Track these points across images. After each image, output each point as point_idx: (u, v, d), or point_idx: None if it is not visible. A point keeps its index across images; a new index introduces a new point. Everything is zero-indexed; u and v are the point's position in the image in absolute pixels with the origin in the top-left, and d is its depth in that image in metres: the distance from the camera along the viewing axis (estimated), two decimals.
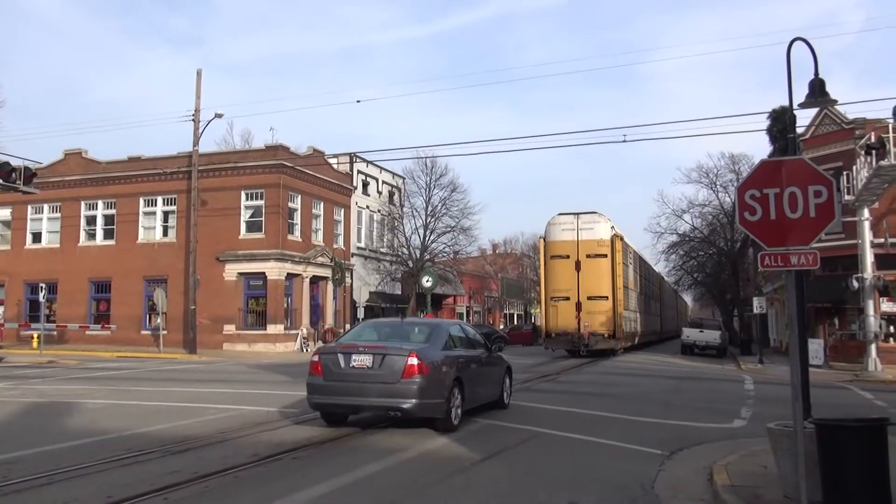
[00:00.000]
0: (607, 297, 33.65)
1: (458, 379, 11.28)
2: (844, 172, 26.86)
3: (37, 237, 40.51)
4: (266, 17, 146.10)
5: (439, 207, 47.05)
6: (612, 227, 34.78)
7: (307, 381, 11.13)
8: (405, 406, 10.41)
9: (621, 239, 35.66)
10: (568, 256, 33.74)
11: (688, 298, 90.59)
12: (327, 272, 38.74)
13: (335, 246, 41.16)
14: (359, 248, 44.95)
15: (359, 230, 45.33)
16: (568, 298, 33.62)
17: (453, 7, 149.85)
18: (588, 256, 33.58)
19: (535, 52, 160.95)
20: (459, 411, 11.23)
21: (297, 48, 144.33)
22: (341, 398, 10.76)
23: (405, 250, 47.37)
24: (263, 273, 35.59)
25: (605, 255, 33.76)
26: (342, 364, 10.77)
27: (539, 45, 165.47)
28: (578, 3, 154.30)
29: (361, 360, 10.70)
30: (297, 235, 37.49)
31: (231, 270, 35.88)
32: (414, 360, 10.46)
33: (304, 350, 35.49)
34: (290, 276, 36.63)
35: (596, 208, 43.28)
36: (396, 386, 10.39)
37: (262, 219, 36.14)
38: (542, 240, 36.75)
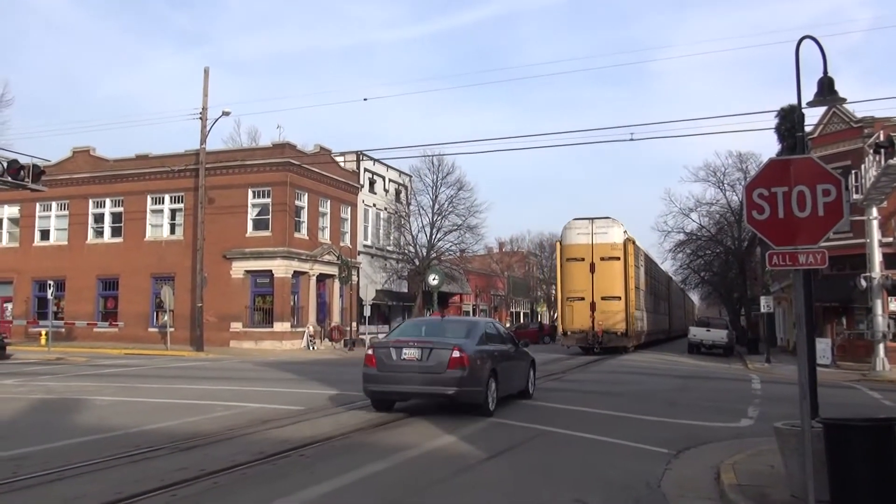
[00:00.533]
0: (620, 298, 35.46)
1: (494, 370, 12.68)
2: (853, 171, 26.74)
3: (45, 234, 40.68)
4: (272, 15, 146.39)
5: (446, 205, 47.02)
6: (625, 232, 36.77)
7: (363, 372, 12.54)
8: (450, 392, 11.86)
9: (633, 242, 37.65)
10: (583, 259, 35.77)
11: (695, 297, 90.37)
12: (334, 270, 38.78)
13: (342, 244, 41.21)
14: (365, 246, 44.98)
15: (365, 228, 45.36)
16: (583, 298, 35.63)
17: (458, 5, 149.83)
18: (602, 259, 35.54)
19: (541, 50, 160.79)
20: (495, 397, 12.61)
21: (303, 46, 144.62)
22: (394, 386, 12.19)
23: (412, 248, 47.36)
24: (270, 271, 35.66)
25: (618, 258, 35.68)
26: (394, 357, 12.23)
27: (545, 44, 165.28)
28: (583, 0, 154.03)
29: (411, 354, 12.17)
30: (303, 233, 37.55)
31: (238, 268, 35.97)
32: (457, 353, 11.90)
33: (311, 348, 35.55)
34: (296, 273, 36.69)
35: (608, 212, 48.18)
36: (442, 375, 11.86)
37: (269, 217, 36.20)
38: (558, 243, 38.87)
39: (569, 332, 36.27)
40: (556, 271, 40.28)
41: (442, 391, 11.93)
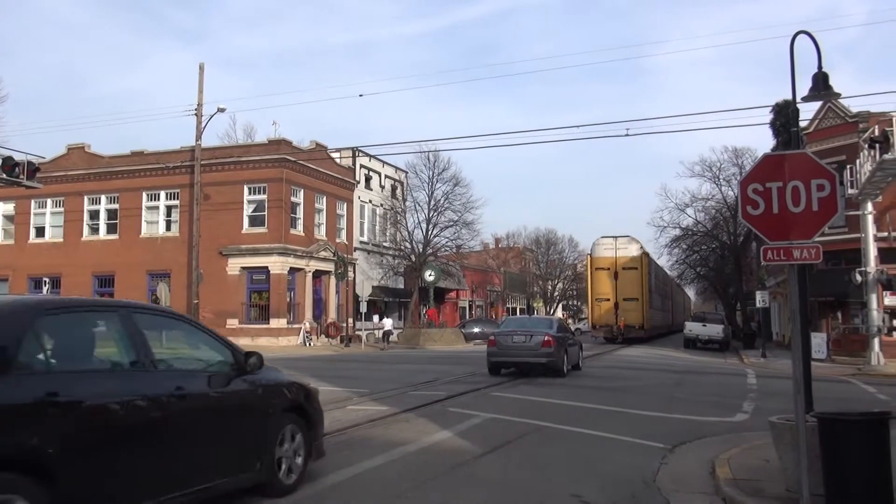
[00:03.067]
0: (637, 299, 43.68)
1: (565, 349, 20.09)
2: (848, 166, 26.77)
3: (40, 231, 40.61)
4: (268, 11, 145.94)
5: (442, 202, 47.00)
6: (641, 247, 45.60)
7: (487, 350, 20.28)
8: (543, 361, 19.18)
9: (647, 255, 46.30)
10: (608, 269, 44.42)
11: (691, 293, 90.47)
12: (330, 266, 38.78)
13: (338, 240, 41.20)
14: (361, 242, 44.97)
15: (361, 224, 45.35)
16: (608, 299, 44.13)
17: (455, 1, 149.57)
18: (623, 269, 44.08)
19: (537, 46, 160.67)
20: (567, 367, 20.02)
21: (299, 42, 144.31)
22: (508, 357, 19.82)
23: (408, 244, 47.36)
24: (266, 267, 35.64)
25: (636, 268, 44.21)
26: (508, 340, 19.78)
27: (541, 40, 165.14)
28: None
29: (519, 338, 19.73)
30: (299, 230, 37.52)
31: (234, 265, 35.94)
32: (548, 338, 19.39)
33: (307, 344, 35.55)
34: (292, 270, 36.68)
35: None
36: (539, 350, 19.25)
37: (265, 213, 36.18)
38: (588, 256, 48.01)
39: (597, 326, 45.07)
40: (587, 278, 48.86)
41: (538, 360, 19.21)
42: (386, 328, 39.97)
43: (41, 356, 4.86)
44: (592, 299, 45.68)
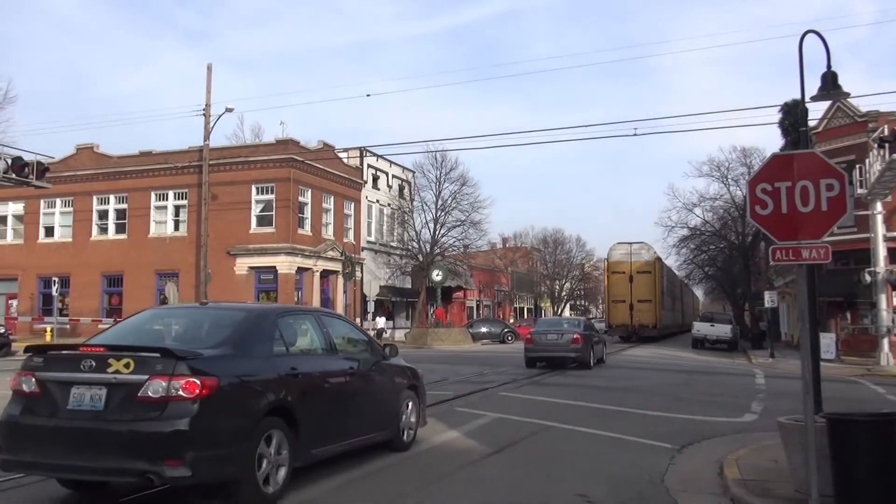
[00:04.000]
0: (651, 301, 46.55)
1: (591, 345, 23.58)
2: (857, 166, 26.67)
3: (49, 231, 40.79)
4: (275, 11, 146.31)
5: (449, 201, 46.91)
6: (655, 253, 48.79)
7: (525, 346, 23.93)
8: (573, 355, 22.57)
9: (660, 260, 49.57)
10: (624, 273, 47.03)
11: (699, 293, 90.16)
12: (337, 266, 38.83)
13: (345, 240, 41.24)
14: (369, 242, 45.00)
15: (369, 224, 45.38)
16: (624, 301, 46.79)
17: (463, 1, 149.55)
18: (637, 273, 46.71)
19: (544, 46, 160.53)
20: (594, 360, 23.50)
21: (307, 42, 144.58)
22: (543, 353, 23.14)
23: (415, 244, 47.34)
24: (274, 267, 35.71)
25: (650, 272, 46.93)
26: (543, 338, 23.30)
27: (548, 40, 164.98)
28: None
29: (552, 336, 23.19)
30: (307, 230, 37.59)
31: (242, 264, 36.03)
32: (577, 335, 22.93)
33: None
34: (300, 270, 36.74)
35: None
36: (569, 346, 22.66)
37: (273, 213, 36.24)
38: (605, 261, 50.81)
39: (614, 326, 47.77)
40: (605, 282, 52.25)
41: (568, 354, 22.63)
42: (379, 326, 39.96)
43: (282, 345, 7.19)
44: (609, 301, 49.22)
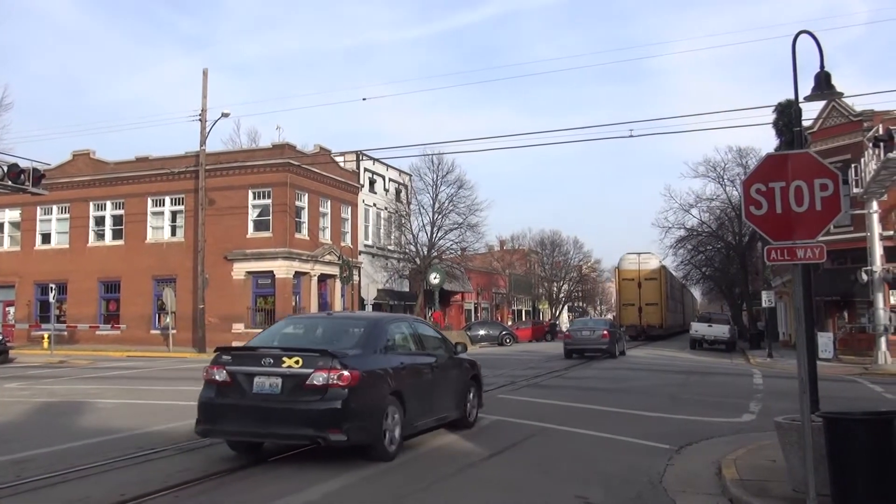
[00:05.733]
0: (657, 304, 52.60)
1: (617, 339, 29.78)
2: (852, 165, 26.71)
3: (46, 238, 40.70)
4: (272, 16, 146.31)
5: (446, 204, 46.93)
6: (660, 261, 55.07)
7: (564, 341, 30.49)
8: (603, 347, 28.72)
9: (664, 268, 55.84)
10: (633, 279, 53.16)
11: (696, 293, 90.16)
12: (335, 270, 38.79)
13: (343, 244, 41.21)
14: (366, 245, 44.98)
15: (366, 228, 45.35)
16: (633, 304, 52.96)
17: (458, 5, 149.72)
18: (645, 279, 52.66)
19: (540, 48, 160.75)
20: (618, 352, 29.80)
21: (302, 47, 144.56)
22: (579, 345, 29.30)
23: (412, 247, 47.31)
24: (272, 272, 35.67)
25: (656, 279, 53.04)
26: (579, 334, 29.93)
27: (544, 42, 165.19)
28: None
29: (586, 332, 29.76)
30: (304, 234, 37.57)
31: (239, 269, 35.99)
32: (606, 332, 29.31)
33: None
34: (298, 274, 36.71)
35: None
36: (600, 340, 28.94)
37: (270, 217, 36.20)
38: (616, 269, 57.43)
39: (624, 326, 49.88)
40: (615, 287, 59.57)
41: (600, 347, 28.67)
42: None
43: (392, 345, 9.47)
44: (620, 304, 55.51)
